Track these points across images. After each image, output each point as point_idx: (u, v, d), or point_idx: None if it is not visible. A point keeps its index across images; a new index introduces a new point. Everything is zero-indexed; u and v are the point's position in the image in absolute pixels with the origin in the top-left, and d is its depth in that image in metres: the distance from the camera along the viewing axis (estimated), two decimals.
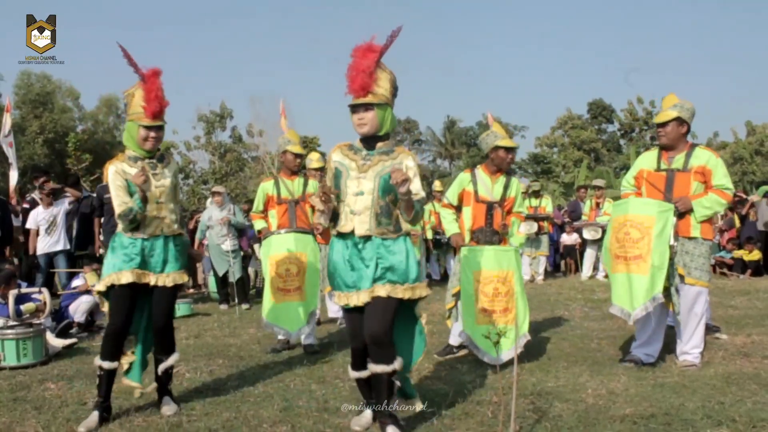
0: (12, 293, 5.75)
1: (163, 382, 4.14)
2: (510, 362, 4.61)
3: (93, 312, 7.34)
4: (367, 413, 3.66)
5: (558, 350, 5.55)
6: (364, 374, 3.61)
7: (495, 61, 74.02)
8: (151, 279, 3.99)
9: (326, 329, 7.04)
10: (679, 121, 4.87)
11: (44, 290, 6.21)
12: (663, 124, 4.90)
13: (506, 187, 5.38)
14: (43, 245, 8.59)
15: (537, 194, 12.23)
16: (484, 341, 5.14)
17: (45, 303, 6.11)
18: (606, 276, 11.61)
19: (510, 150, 5.38)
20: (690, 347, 4.83)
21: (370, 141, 3.60)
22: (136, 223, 3.95)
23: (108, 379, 3.94)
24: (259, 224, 6.14)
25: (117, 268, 3.91)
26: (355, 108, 3.52)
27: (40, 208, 8.67)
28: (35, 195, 9.23)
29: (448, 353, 5.43)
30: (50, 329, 6.20)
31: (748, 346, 5.46)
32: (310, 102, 64.17)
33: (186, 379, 4.81)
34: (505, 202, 5.39)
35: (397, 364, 3.46)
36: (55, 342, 5.93)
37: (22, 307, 5.95)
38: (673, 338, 5.08)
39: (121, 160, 4.02)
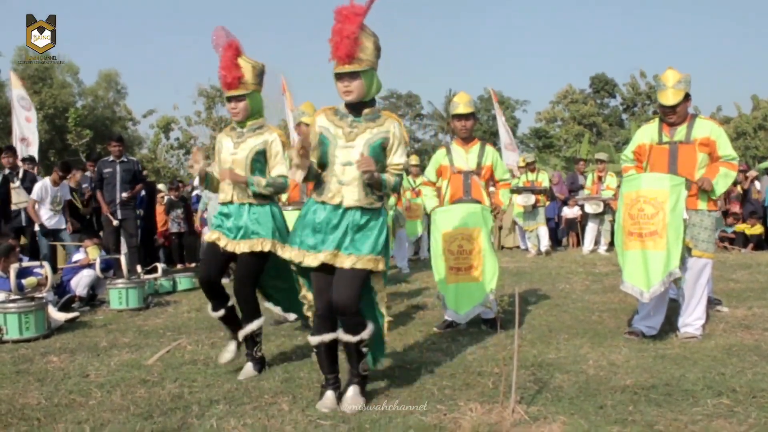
0: (13, 267, 5.75)
1: (247, 346, 4.26)
2: (510, 334, 4.63)
3: (94, 286, 7.38)
4: (329, 395, 3.46)
5: (559, 322, 5.56)
6: (326, 338, 3.49)
7: (497, 34, 73.34)
8: (222, 242, 4.11)
9: None
10: (686, 97, 4.81)
11: (46, 264, 6.22)
12: (675, 105, 4.78)
13: (481, 155, 5.46)
14: (47, 221, 8.61)
15: (533, 168, 12.23)
16: (451, 300, 5.23)
17: (46, 277, 6.13)
18: (607, 250, 11.66)
19: (461, 117, 5.46)
20: (692, 319, 4.83)
21: (356, 107, 3.50)
22: (209, 187, 4.28)
23: (224, 322, 4.29)
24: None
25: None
26: (340, 76, 3.40)
27: (48, 183, 8.67)
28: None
29: (448, 326, 5.44)
30: (52, 303, 6.22)
31: (749, 319, 5.46)
32: (310, 75, 63.75)
33: (187, 352, 4.82)
34: (483, 171, 5.46)
35: (365, 333, 3.46)
36: (57, 316, 5.95)
37: (24, 281, 5.97)
38: (675, 311, 5.08)
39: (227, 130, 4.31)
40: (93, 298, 7.40)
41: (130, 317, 6.52)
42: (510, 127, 15.22)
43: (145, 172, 12.08)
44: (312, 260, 3.44)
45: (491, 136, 34.11)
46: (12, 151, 9.48)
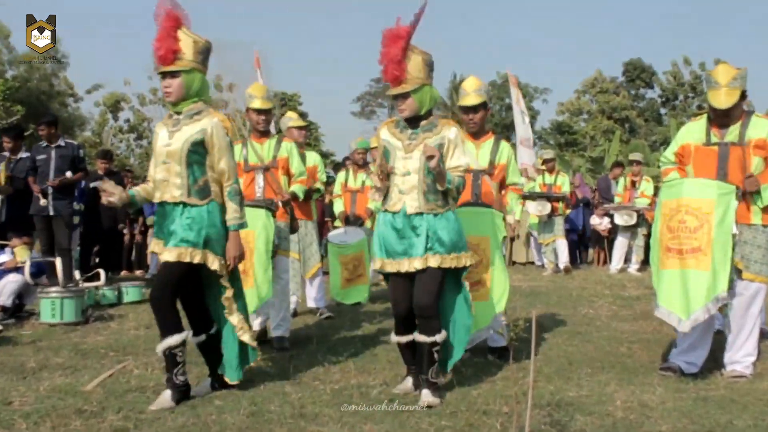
0: None
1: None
2: (523, 366, 4.63)
3: (22, 294, 7.32)
4: (409, 381, 4.46)
5: (581, 354, 5.57)
6: (404, 339, 4.38)
7: (512, 8, 73.74)
8: (158, 249, 4.26)
9: (304, 321, 7.04)
10: (742, 95, 4.83)
11: None
12: (729, 108, 4.78)
13: (494, 152, 5.49)
14: None
15: (551, 168, 12.14)
16: None
17: None
18: (639, 269, 11.70)
19: (468, 109, 5.44)
20: (741, 355, 4.84)
21: (413, 120, 4.32)
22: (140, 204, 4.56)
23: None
24: None
25: None
26: (394, 96, 4.26)
27: None
28: None
29: None
30: None
31: None
32: (289, 53, 63.83)
33: (134, 376, 4.81)
34: (495, 170, 5.48)
35: (439, 337, 4.23)
36: None
37: None
38: (720, 345, 5.09)
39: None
40: (20, 309, 7.34)
41: (65, 333, 6.49)
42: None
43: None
44: (407, 266, 4.26)
45: (503, 130, 34.21)
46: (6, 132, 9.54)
